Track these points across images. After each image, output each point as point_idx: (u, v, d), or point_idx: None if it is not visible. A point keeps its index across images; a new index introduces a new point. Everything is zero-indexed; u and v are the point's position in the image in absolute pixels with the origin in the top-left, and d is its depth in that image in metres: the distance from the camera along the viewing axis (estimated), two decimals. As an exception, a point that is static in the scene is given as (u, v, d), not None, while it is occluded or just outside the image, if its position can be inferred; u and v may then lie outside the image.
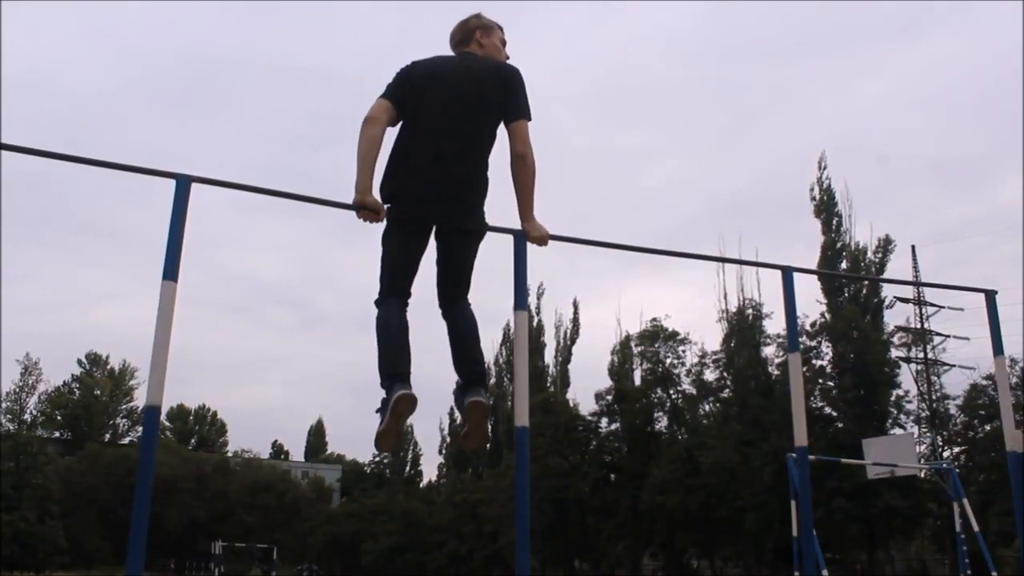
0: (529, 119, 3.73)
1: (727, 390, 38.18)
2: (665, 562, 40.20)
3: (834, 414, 33.70)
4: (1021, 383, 31.54)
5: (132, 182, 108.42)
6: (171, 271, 3.13)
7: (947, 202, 78.49)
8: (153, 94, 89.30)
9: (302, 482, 59.45)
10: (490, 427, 52.00)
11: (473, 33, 3.95)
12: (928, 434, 36.77)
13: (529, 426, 3.52)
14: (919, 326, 39.67)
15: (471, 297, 3.88)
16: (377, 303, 3.71)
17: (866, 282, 36.81)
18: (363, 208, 3.55)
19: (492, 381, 53.97)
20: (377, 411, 3.55)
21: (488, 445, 53.21)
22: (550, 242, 3.80)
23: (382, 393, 3.54)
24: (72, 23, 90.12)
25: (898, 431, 32.19)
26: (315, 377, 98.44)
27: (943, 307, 39.20)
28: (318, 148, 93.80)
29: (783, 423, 29.24)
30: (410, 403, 3.46)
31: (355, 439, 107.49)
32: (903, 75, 77.14)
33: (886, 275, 37.99)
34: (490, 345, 54.44)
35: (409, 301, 3.75)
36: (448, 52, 3.97)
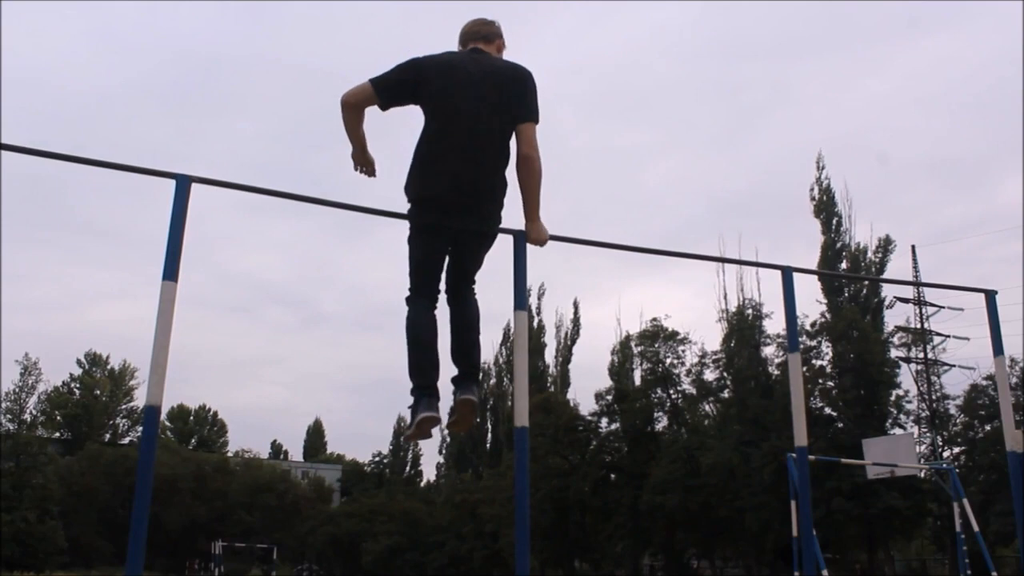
0: (537, 122, 3.71)
1: (727, 390, 38.16)
2: (665, 562, 40.19)
3: (834, 414, 33.69)
4: (1021, 383, 31.55)
5: (132, 182, 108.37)
6: (171, 271, 3.13)
7: (947, 202, 78.62)
8: (153, 94, 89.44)
9: (302, 482, 59.44)
10: (481, 420, 52.57)
11: (497, 39, 3.94)
12: (928, 434, 36.79)
13: (529, 426, 3.52)
14: (919, 326, 39.67)
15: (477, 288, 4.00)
16: (407, 300, 3.79)
17: (866, 282, 36.82)
18: (358, 163, 3.88)
19: (492, 381, 54.03)
20: (409, 407, 3.72)
21: (488, 445, 53.42)
22: (550, 242, 3.82)
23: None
24: (72, 23, 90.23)
25: (898, 431, 32.20)
26: (314, 377, 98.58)
27: (943, 307, 39.23)
28: (318, 148, 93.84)
29: (783, 423, 29.24)
30: (434, 423, 3.62)
31: (355, 439, 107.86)
32: (903, 75, 77.24)
33: (886, 275, 38.07)
34: (490, 345, 54.41)
35: (438, 300, 3.83)
36: (454, 47, 3.95)
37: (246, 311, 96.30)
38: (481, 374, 3.92)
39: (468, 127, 3.63)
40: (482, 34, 3.90)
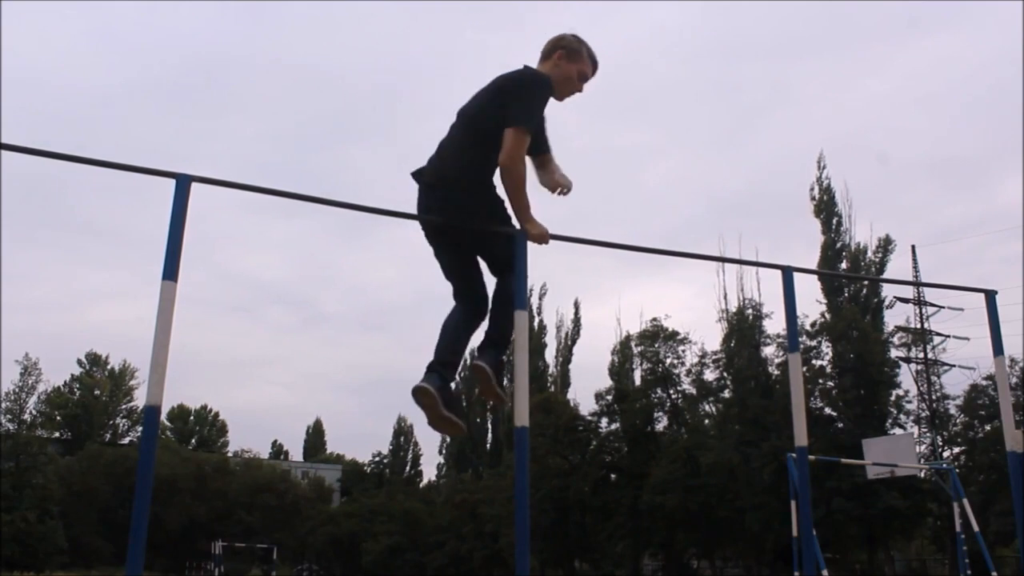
0: (517, 126, 3.58)
1: (727, 390, 38.16)
2: (665, 562, 40.18)
3: (834, 414, 33.69)
4: (1021, 383, 31.55)
5: (132, 182, 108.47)
6: (171, 271, 3.12)
7: (947, 202, 78.63)
8: (153, 93, 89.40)
9: (302, 482, 59.43)
10: (481, 420, 52.83)
11: (553, 52, 3.87)
12: (928, 434, 36.79)
13: (529, 426, 3.51)
14: (919, 326, 39.68)
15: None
16: None
17: (866, 282, 36.82)
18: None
19: (492, 381, 53.97)
20: None
21: (488, 445, 53.42)
22: (552, 242, 3.78)
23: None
24: (72, 23, 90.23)
25: (898, 431, 32.21)
26: (315, 377, 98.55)
27: (943, 307, 39.23)
28: (318, 148, 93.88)
29: (783, 423, 29.24)
30: (419, 394, 3.61)
31: (355, 439, 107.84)
32: (903, 75, 77.25)
33: (886, 275, 38.08)
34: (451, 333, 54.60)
35: (469, 303, 3.87)
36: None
37: (246, 311, 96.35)
38: (506, 348, 3.92)
39: (442, 141, 3.83)
40: (543, 51, 3.92)
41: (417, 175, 3.84)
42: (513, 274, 3.76)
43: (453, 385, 3.89)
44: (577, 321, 52.48)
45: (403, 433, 67.87)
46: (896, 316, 51.60)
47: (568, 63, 3.84)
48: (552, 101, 3.81)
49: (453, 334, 3.80)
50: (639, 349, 42.15)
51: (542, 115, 3.88)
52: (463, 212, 3.75)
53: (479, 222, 3.78)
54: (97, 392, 62.21)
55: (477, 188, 3.77)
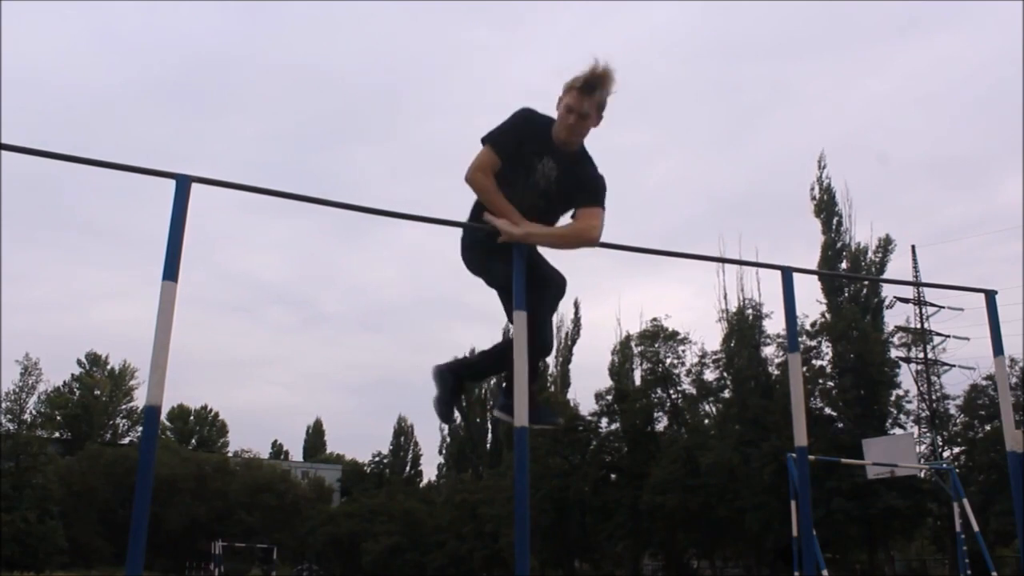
0: (482, 141, 3.74)
1: (727, 390, 38.17)
2: (665, 562, 40.19)
3: (834, 414, 33.69)
4: (1021, 383, 31.54)
5: (132, 182, 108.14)
6: (171, 271, 3.12)
7: (947, 202, 78.63)
8: (153, 93, 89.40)
9: (302, 482, 59.43)
10: (481, 420, 53.36)
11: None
12: (928, 434, 36.78)
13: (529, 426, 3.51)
14: (919, 326, 39.66)
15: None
16: None
17: (866, 282, 36.81)
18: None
19: (493, 381, 54.05)
20: None
21: (488, 445, 53.43)
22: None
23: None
24: (72, 23, 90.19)
25: (898, 431, 32.21)
26: (315, 377, 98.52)
27: (943, 307, 39.21)
28: (318, 148, 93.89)
29: (783, 423, 29.24)
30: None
31: (355, 439, 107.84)
32: (903, 75, 77.25)
33: (886, 275, 38.01)
34: (490, 346, 54.63)
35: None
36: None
37: (246, 311, 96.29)
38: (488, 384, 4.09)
39: None
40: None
41: None
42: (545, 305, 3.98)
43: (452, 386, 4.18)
44: (577, 321, 52.51)
45: (403, 433, 67.87)
46: (896, 316, 51.56)
47: (562, 97, 3.76)
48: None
49: (492, 345, 4.29)
50: (639, 349, 42.16)
51: (532, 148, 3.76)
52: (467, 236, 3.96)
53: (478, 243, 3.88)
54: (97, 392, 62.21)
55: (477, 212, 3.86)
